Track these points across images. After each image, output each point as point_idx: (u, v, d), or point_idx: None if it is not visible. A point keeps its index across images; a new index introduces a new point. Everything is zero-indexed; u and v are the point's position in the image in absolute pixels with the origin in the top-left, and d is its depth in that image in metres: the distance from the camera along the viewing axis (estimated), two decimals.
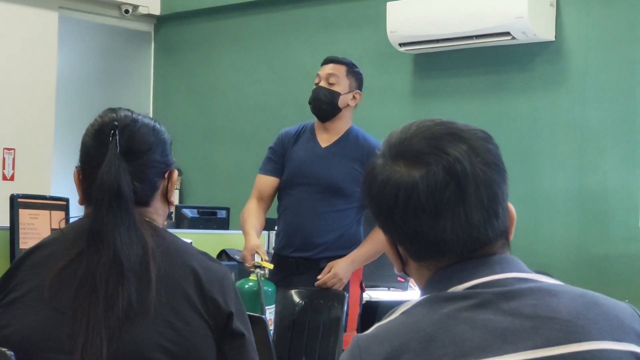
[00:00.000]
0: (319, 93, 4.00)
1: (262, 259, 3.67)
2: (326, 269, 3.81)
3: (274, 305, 3.64)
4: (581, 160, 5.53)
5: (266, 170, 4.07)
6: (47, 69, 7.21)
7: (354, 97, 4.03)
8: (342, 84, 4.00)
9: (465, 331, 1.26)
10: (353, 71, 4.06)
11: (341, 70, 4.02)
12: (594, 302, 1.30)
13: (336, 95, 3.98)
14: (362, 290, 4.04)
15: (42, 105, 7.17)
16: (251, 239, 3.83)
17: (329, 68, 4.03)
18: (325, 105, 3.99)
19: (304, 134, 4.07)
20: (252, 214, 4.03)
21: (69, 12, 7.48)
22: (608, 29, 5.51)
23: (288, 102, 6.97)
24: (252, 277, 3.62)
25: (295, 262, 3.93)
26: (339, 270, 3.79)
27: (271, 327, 3.54)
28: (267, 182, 4.05)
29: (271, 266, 3.69)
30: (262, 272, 3.63)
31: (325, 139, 4.03)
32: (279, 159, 4.05)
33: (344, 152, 3.96)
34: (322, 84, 4.01)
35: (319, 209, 3.92)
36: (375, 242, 3.82)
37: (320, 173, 3.94)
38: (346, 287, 3.86)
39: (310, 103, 4.05)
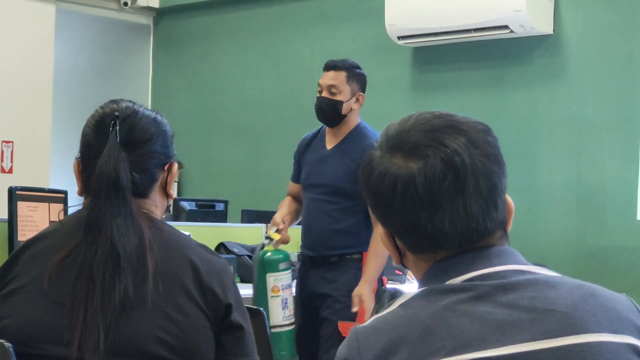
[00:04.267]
0: (321, 104, 4.07)
1: (275, 231, 3.92)
2: (355, 300, 3.90)
3: (284, 272, 3.86)
4: (579, 153, 5.53)
5: (292, 177, 4.27)
6: (44, 62, 7.21)
7: (357, 99, 4.10)
8: (343, 91, 4.05)
9: (463, 323, 1.26)
10: (354, 74, 4.11)
11: (341, 77, 4.06)
12: (591, 294, 1.30)
13: (338, 104, 4.05)
14: (382, 284, 4.13)
15: (39, 98, 7.17)
16: (276, 215, 4.05)
17: (330, 78, 4.07)
18: (329, 115, 4.07)
19: (316, 138, 4.20)
20: (286, 200, 4.23)
21: (66, 4, 7.47)
22: (606, 22, 5.51)
23: (287, 96, 6.97)
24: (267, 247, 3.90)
25: (310, 258, 4.06)
26: (367, 300, 3.89)
27: (277, 294, 3.82)
28: (294, 188, 4.25)
29: (278, 236, 3.90)
30: (267, 242, 3.89)
31: (331, 141, 4.14)
32: (298, 165, 4.24)
33: (344, 152, 4.06)
34: (324, 94, 4.06)
35: (325, 207, 4.03)
36: (379, 254, 3.92)
37: (322, 174, 4.07)
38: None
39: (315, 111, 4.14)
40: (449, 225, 1.31)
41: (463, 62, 6.06)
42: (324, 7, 6.84)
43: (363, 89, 4.14)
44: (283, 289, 3.83)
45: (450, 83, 6.12)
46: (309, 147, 4.19)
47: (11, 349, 1.80)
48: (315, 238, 4.02)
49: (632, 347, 1.27)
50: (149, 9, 7.78)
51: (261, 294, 3.82)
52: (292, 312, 3.88)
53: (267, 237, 3.90)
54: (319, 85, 4.10)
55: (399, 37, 6.07)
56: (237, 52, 7.33)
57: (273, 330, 3.76)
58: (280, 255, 3.88)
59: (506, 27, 5.61)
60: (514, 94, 5.85)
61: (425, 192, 1.31)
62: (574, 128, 5.57)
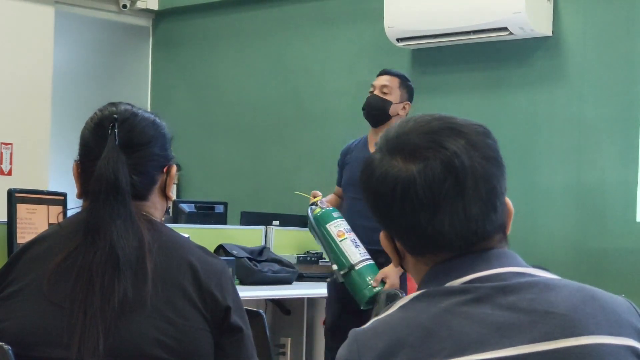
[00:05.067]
0: (371, 100, 4.42)
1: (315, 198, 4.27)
2: (379, 277, 4.11)
3: (340, 219, 4.18)
4: (579, 155, 5.53)
5: (337, 181, 4.63)
6: (43, 64, 7.20)
7: (404, 107, 4.42)
8: (394, 94, 4.41)
9: (463, 326, 1.26)
10: (405, 84, 4.47)
11: (394, 82, 4.44)
12: (591, 296, 1.30)
13: (388, 103, 4.39)
14: (406, 284, 4.24)
15: (39, 100, 7.16)
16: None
17: (384, 79, 4.45)
18: (376, 112, 4.39)
19: (359, 144, 4.53)
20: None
21: (66, 6, 7.47)
22: (605, 24, 5.51)
23: (287, 97, 6.97)
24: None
25: None
26: (391, 277, 4.11)
27: (344, 237, 4.13)
28: (337, 191, 4.63)
29: (319, 197, 4.24)
30: (314, 207, 4.23)
31: (373, 144, 4.38)
32: (340, 171, 4.59)
33: None
34: (376, 92, 4.43)
35: (358, 206, 4.24)
36: None
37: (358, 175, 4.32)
38: (403, 286, 4.17)
39: (363, 109, 4.45)
40: (449, 228, 1.32)
41: (462, 64, 6.06)
42: (323, 9, 6.84)
43: (410, 100, 4.46)
44: (347, 232, 4.15)
45: (449, 85, 6.12)
46: (351, 153, 4.51)
47: (10, 352, 1.80)
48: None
49: (632, 350, 1.27)
50: (148, 11, 7.78)
51: (332, 244, 4.11)
52: (364, 249, 4.11)
53: (312, 204, 4.22)
54: (372, 86, 4.46)
55: (398, 39, 6.07)
56: (236, 54, 7.33)
57: (357, 267, 4.06)
58: (329, 208, 4.21)
59: (505, 29, 5.61)
60: (513, 95, 5.85)
61: (425, 194, 1.31)
62: (573, 130, 5.57)
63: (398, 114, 4.36)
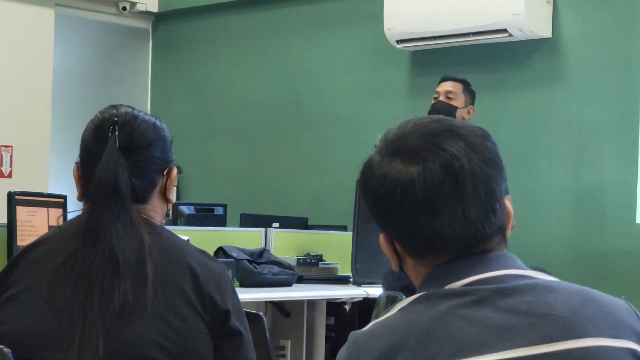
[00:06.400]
0: (438, 106, 4.49)
1: None
2: None
3: None
4: (578, 157, 5.53)
5: None
6: (43, 67, 7.20)
7: (468, 111, 4.53)
8: (459, 99, 4.53)
9: (462, 328, 1.26)
10: (468, 89, 4.59)
11: (458, 87, 4.56)
12: (590, 298, 1.31)
13: (454, 109, 4.48)
14: None
15: (39, 103, 7.16)
16: None
17: (448, 85, 4.56)
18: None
19: None
20: None
21: (66, 9, 7.47)
22: (604, 26, 5.51)
23: (286, 99, 6.97)
24: None
25: None
26: None
27: None
28: None
29: None
30: None
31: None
32: None
33: None
34: (441, 98, 4.54)
35: None
36: None
37: None
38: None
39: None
40: (448, 230, 1.32)
41: (462, 66, 6.06)
42: (323, 11, 6.84)
43: (473, 103, 4.57)
44: None
45: None
46: None
47: (10, 355, 1.80)
48: None
49: (631, 352, 1.27)
50: (147, 13, 7.78)
51: None
52: None
53: None
54: (436, 92, 4.56)
55: (397, 41, 6.07)
56: (236, 56, 7.33)
57: None
58: None
59: (505, 30, 5.61)
60: (512, 97, 5.85)
61: (424, 196, 1.31)
62: (572, 131, 5.57)
63: (464, 118, 4.40)
